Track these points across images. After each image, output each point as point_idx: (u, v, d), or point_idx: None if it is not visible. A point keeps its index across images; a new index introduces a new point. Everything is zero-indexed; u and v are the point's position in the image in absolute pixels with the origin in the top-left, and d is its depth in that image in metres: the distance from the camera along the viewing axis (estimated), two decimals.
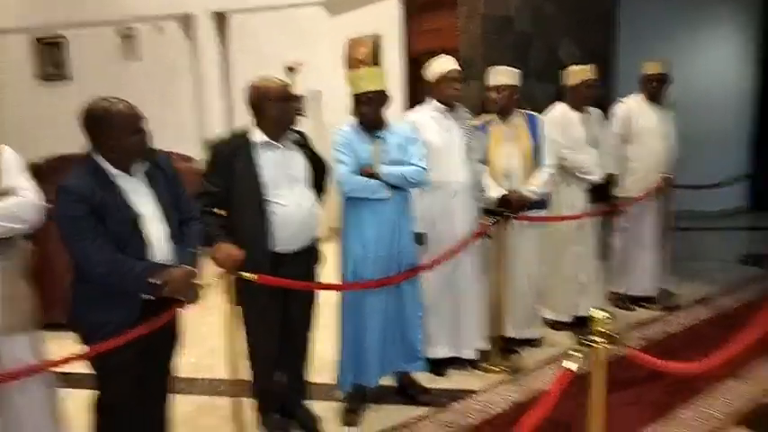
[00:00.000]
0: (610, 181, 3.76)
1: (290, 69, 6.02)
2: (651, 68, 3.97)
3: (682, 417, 2.76)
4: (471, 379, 3.22)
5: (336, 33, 5.99)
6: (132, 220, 1.98)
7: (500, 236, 3.22)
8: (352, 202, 2.71)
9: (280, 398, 2.77)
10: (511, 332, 3.49)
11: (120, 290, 1.98)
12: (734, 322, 3.53)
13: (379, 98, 2.65)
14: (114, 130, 1.94)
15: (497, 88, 3.34)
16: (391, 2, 5.32)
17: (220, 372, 3.08)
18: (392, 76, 5.40)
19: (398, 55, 5.37)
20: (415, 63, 5.18)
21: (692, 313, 4.03)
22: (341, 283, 2.80)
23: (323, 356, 3.00)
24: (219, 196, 2.44)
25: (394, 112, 4.77)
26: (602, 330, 1.59)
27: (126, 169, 2.01)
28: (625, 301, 4.19)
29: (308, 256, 2.58)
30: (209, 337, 3.50)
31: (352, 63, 5.49)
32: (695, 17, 6.50)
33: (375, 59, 5.38)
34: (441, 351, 3.23)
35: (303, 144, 2.58)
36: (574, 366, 1.56)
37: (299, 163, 2.52)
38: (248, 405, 2.65)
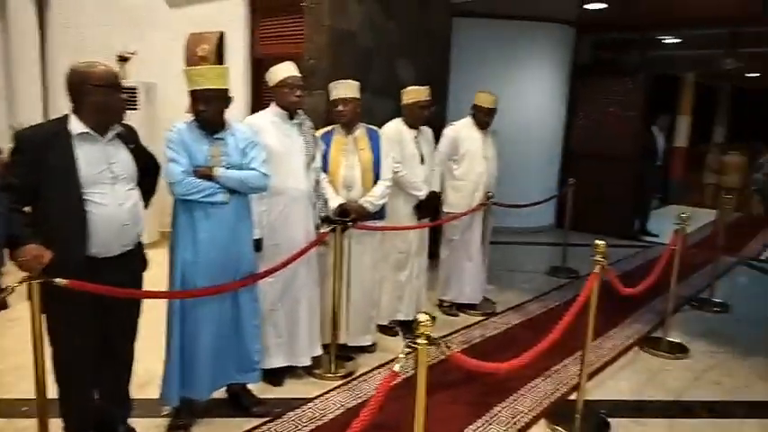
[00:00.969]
0: (435, 197, 4.02)
1: (122, 59, 5.57)
2: (484, 101, 4.28)
3: (497, 415, 3.01)
4: (306, 387, 3.21)
5: (175, 25, 5.67)
6: None
7: (338, 244, 3.27)
8: (184, 205, 2.56)
9: (95, 417, 2.51)
10: (345, 339, 3.57)
11: None
12: (541, 326, 3.97)
13: (220, 97, 2.54)
14: None
15: (344, 101, 3.40)
16: (236, 0, 5.18)
17: (25, 390, 2.71)
18: (236, 76, 5.26)
19: (243, 56, 5.23)
20: (260, 65, 5.10)
21: (506, 318, 4.45)
22: (168, 291, 2.63)
23: (149, 369, 2.80)
24: (26, 191, 2.15)
25: (237, 114, 4.63)
26: (426, 333, 1.69)
27: None
28: (451, 308, 4.51)
29: (131, 261, 2.38)
30: (12, 352, 3.07)
31: (193, 59, 5.23)
32: (516, 55, 7.26)
33: (218, 57, 5.18)
34: (276, 361, 3.18)
35: (130, 139, 2.38)
36: (398, 368, 1.63)
37: (122, 159, 2.30)
38: (56, 426, 2.36)
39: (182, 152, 2.51)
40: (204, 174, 2.52)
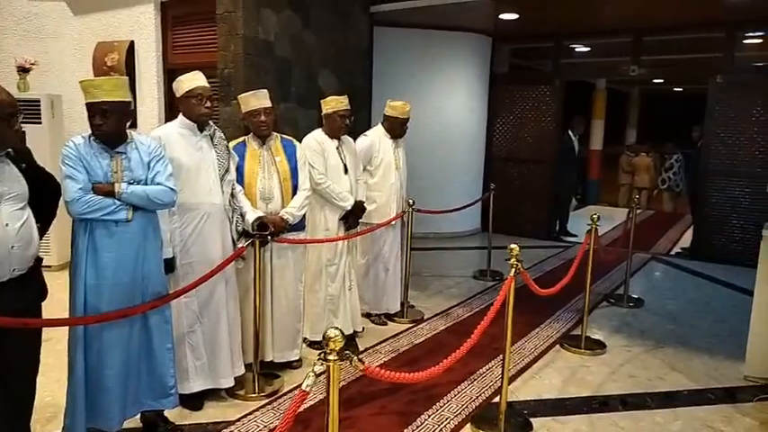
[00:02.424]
0: (361, 207, 4.00)
1: (22, 69, 5.22)
2: (399, 112, 4.28)
3: (424, 423, 2.99)
4: (228, 409, 3.09)
5: (82, 34, 5.38)
6: None
7: (257, 259, 3.18)
8: (85, 225, 2.40)
9: None
10: (271, 356, 3.48)
11: None
12: (468, 330, 4.02)
13: (119, 110, 2.40)
14: None
15: (266, 111, 3.32)
16: (147, 8, 4.97)
17: None
18: (148, 87, 5.08)
19: (155, 65, 5.03)
20: (174, 75, 4.92)
21: (434, 324, 4.48)
22: (68, 318, 2.45)
23: (55, 403, 2.61)
24: None
25: (150, 125, 4.45)
26: (336, 349, 1.65)
27: None
28: (380, 317, 4.49)
29: (24, 288, 2.19)
30: None
31: (101, 69, 4.98)
32: (437, 64, 7.39)
33: (128, 67, 4.96)
34: (195, 384, 3.04)
35: (21, 159, 2.21)
36: (306, 387, 1.58)
37: (9, 177, 2.13)
38: None
39: (79, 168, 2.36)
40: (104, 190, 2.37)
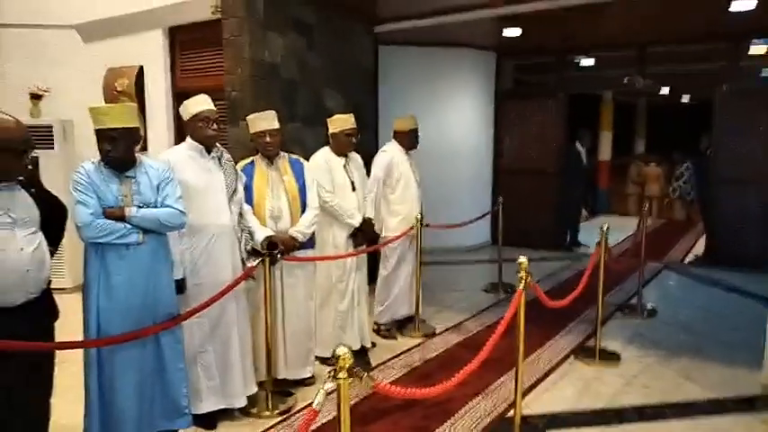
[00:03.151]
0: (369, 223, 4.03)
1: (34, 96, 5.33)
2: (405, 125, 4.41)
3: None
4: (242, 428, 3.09)
5: (92, 60, 5.49)
6: None
7: (268, 277, 3.20)
8: (96, 248, 2.44)
9: None
10: (284, 374, 3.48)
11: None
12: (480, 344, 3.99)
13: (127, 136, 2.46)
14: None
15: (272, 132, 3.36)
16: (155, 34, 5.08)
17: None
18: (158, 110, 5.16)
19: (164, 89, 5.11)
20: (182, 99, 5.00)
21: (445, 338, 4.46)
22: (80, 340, 2.48)
23: (69, 424, 2.62)
24: None
25: (160, 149, 4.52)
26: (346, 367, 1.65)
27: None
28: (390, 331, 4.48)
29: (37, 311, 2.23)
30: None
31: (111, 94, 5.08)
32: (443, 81, 7.45)
33: (138, 92, 5.05)
34: (208, 404, 3.05)
35: (30, 182, 2.26)
36: (317, 405, 1.58)
37: (22, 203, 2.18)
38: None
39: (90, 193, 2.40)
40: (115, 215, 2.41)
